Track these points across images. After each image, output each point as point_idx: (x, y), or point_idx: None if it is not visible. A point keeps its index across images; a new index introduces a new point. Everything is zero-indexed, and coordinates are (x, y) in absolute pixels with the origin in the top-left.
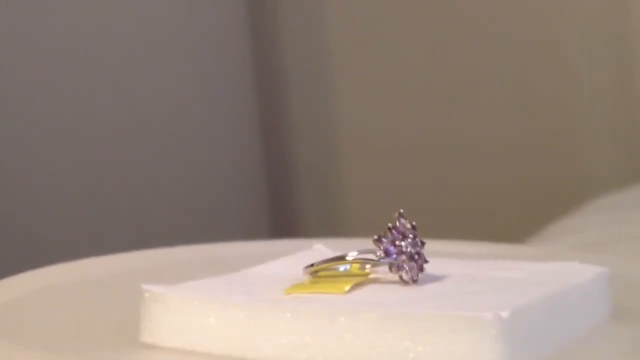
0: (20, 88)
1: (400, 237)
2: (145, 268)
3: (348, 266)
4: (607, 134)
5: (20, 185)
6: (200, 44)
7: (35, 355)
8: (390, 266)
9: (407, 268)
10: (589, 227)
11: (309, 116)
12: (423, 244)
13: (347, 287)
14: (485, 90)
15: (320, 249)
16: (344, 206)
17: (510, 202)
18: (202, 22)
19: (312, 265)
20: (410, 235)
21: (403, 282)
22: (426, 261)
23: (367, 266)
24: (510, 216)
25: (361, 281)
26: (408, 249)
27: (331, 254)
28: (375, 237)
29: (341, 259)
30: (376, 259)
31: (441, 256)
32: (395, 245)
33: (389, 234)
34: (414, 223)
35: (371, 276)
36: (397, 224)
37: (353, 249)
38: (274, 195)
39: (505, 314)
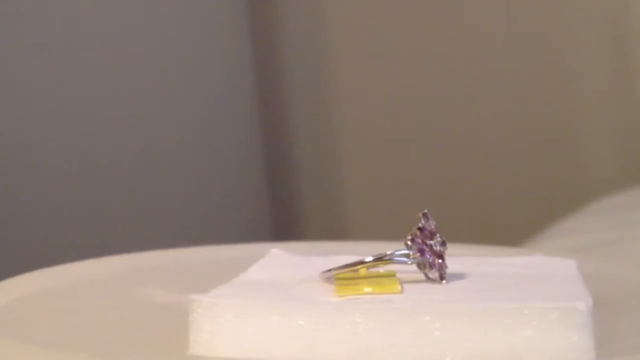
0: (20, 88)
1: (429, 236)
2: (145, 269)
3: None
4: (608, 135)
5: (21, 185)
6: (200, 45)
7: (34, 352)
8: (422, 265)
9: (436, 266)
10: (590, 229)
11: (309, 117)
12: (445, 243)
13: (399, 287)
14: (487, 91)
15: (279, 254)
16: (345, 208)
17: (511, 203)
18: (202, 23)
19: (329, 270)
20: (437, 235)
21: (430, 280)
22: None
23: (381, 268)
24: (511, 217)
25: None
26: (437, 248)
27: (296, 258)
28: (409, 237)
29: (361, 263)
30: (390, 259)
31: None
32: (426, 245)
33: (419, 234)
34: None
35: (398, 276)
36: (423, 223)
37: (313, 252)
38: (275, 197)
39: (588, 304)
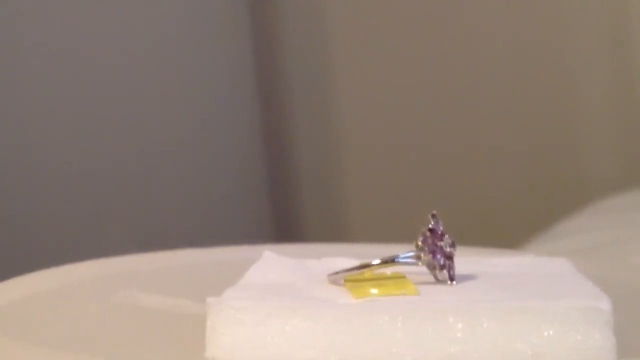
0: (20, 88)
1: (439, 237)
2: (146, 270)
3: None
4: (608, 136)
5: (21, 185)
6: (200, 46)
7: (35, 352)
8: (432, 266)
9: (446, 267)
10: (591, 229)
11: (310, 118)
12: (454, 244)
13: (415, 288)
14: (487, 93)
15: (272, 256)
16: (346, 209)
17: (512, 203)
18: (203, 24)
19: (337, 272)
20: (447, 236)
21: (439, 281)
22: None
23: (388, 270)
24: (511, 218)
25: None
26: (447, 249)
27: (289, 261)
28: (420, 238)
29: (369, 265)
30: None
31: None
32: (436, 246)
33: (430, 235)
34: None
35: (408, 277)
36: (432, 225)
37: (313, 254)
38: (276, 198)
39: (609, 304)
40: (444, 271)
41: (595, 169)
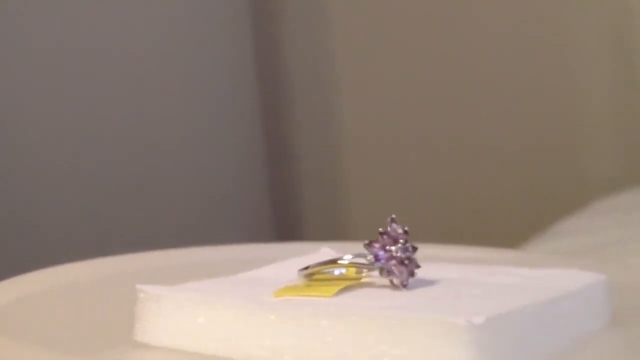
0: (20, 88)
1: (392, 242)
2: (146, 270)
3: (344, 270)
4: (609, 135)
5: (21, 185)
6: (202, 45)
7: (35, 352)
8: (381, 271)
9: (396, 273)
10: (592, 229)
11: (311, 117)
12: (415, 249)
13: (334, 291)
14: (489, 92)
15: (328, 252)
16: (347, 208)
17: (512, 203)
18: (205, 24)
19: (306, 268)
20: (401, 240)
21: (393, 286)
22: (418, 266)
23: (364, 270)
24: (511, 217)
25: (351, 285)
26: (398, 254)
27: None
28: (367, 241)
29: (334, 262)
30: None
31: (440, 260)
32: (385, 250)
33: (380, 239)
34: (406, 228)
35: (364, 280)
36: (389, 228)
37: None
38: (277, 197)
39: (479, 320)
40: (396, 276)
41: (595, 169)
